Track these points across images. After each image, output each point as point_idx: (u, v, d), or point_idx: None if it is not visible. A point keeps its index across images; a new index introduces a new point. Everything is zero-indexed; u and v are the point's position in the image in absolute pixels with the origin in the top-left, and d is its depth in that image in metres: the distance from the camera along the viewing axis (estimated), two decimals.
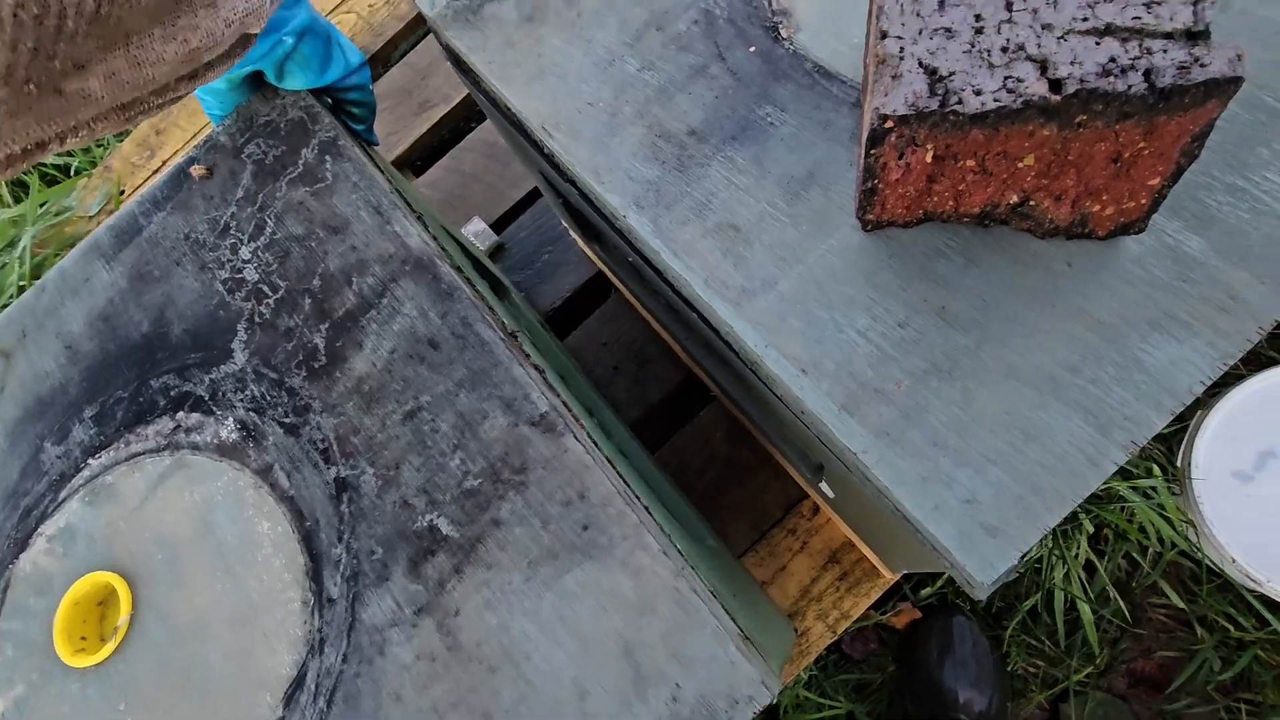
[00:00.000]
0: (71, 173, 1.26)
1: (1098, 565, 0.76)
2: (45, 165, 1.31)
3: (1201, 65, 0.23)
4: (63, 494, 0.40)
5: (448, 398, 0.35)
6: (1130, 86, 0.23)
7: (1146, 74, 0.23)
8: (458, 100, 0.92)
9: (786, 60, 0.37)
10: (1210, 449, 0.66)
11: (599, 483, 0.32)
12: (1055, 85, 0.24)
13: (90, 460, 0.40)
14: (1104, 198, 0.28)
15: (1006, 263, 0.31)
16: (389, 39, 0.99)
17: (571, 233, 0.78)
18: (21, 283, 0.90)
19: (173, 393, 0.40)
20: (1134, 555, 0.76)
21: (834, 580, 0.63)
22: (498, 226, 0.86)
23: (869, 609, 0.76)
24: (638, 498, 0.33)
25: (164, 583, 0.36)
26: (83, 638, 0.37)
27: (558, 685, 0.29)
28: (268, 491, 0.36)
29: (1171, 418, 0.27)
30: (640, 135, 0.38)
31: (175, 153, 1.03)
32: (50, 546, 0.39)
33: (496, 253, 0.85)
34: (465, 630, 0.31)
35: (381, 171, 0.45)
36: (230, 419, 0.38)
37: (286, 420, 0.38)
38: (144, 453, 0.39)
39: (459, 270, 0.40)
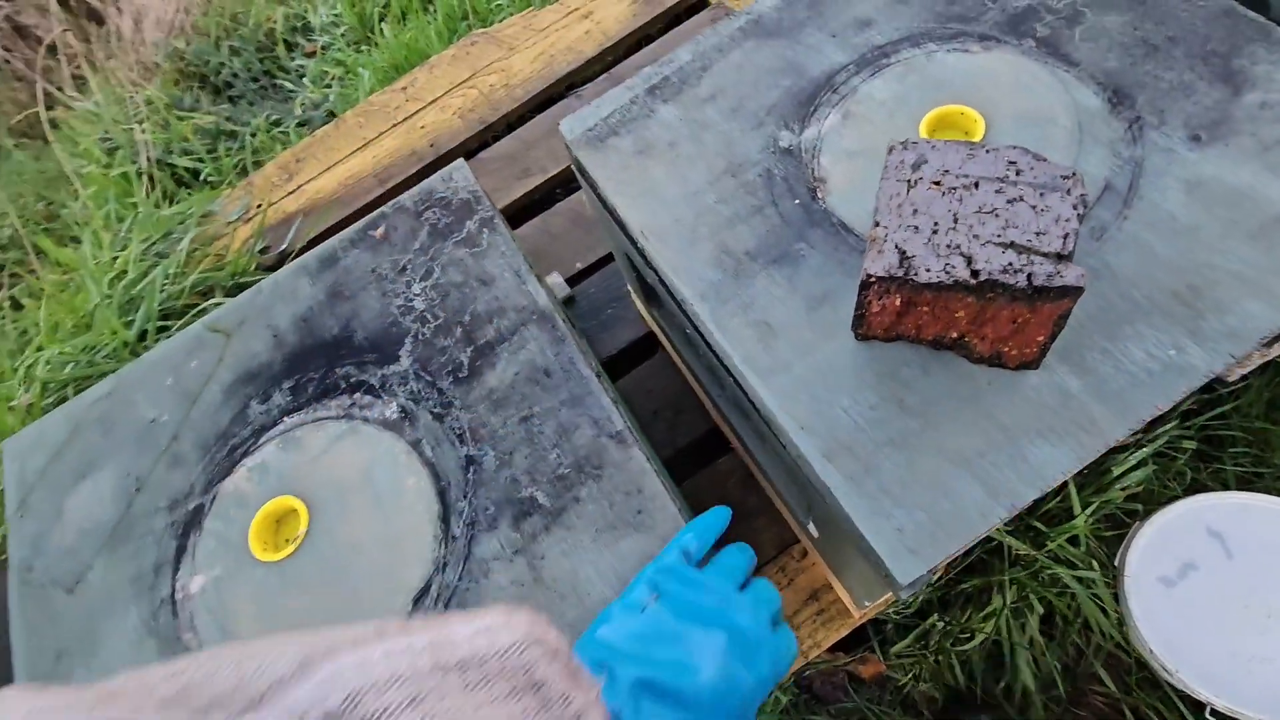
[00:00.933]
0: (202, 182, 1.47)
1: (1045, 649, 0.87)
2: (180, 170, 1.53)
3: (1060, 276, 0.38)
4: (262, 440, 0.56)
5: (553, 411, 0.50)
6: (1018, 282, 0.38)
7: (1029, 276, 0.38)
8: (554, 172, 1.11)
9: (819, 213, 0.53)
10: (1143, 554, 0.78)
11: (652, 483, 0.46)
12: (975, 274, 0.39)
13: (285, 418, 0.56)
14: (1009, 344, 0.43)
15: (948, 376, 0.46)
16: (504, 114, 1.18)
17: (633, 296, 0.94)
18: (177, 269, 1.09)
19: (352, 379, 0.56)
20: (1079, 643, 0.87)
21: (812, 614, 0.76)
22: (571, 281, 1.03)
23: (840, 651, 0.88)
24: (680, 497, 0.48)
25: (332, 512, 0.51)
26: (265, 543, 0.52)
27: (596, 609, 0.43)
28: (416, 458, 0.51)
29: (1039, 494, 0.41)
30: (710, 249, 0.54)
31: (311, 179, 1.23)
32: (249, 475, 0.54)
33: (568, 303, 1.02)
34: (547, 569, 0.45)
35: (514, 240, 0.61)
36: (394, 404, 0.54)
37: (435, 410, 0.53)
38: (326, 418, 0.55)
39: (570, 323, 0.56)
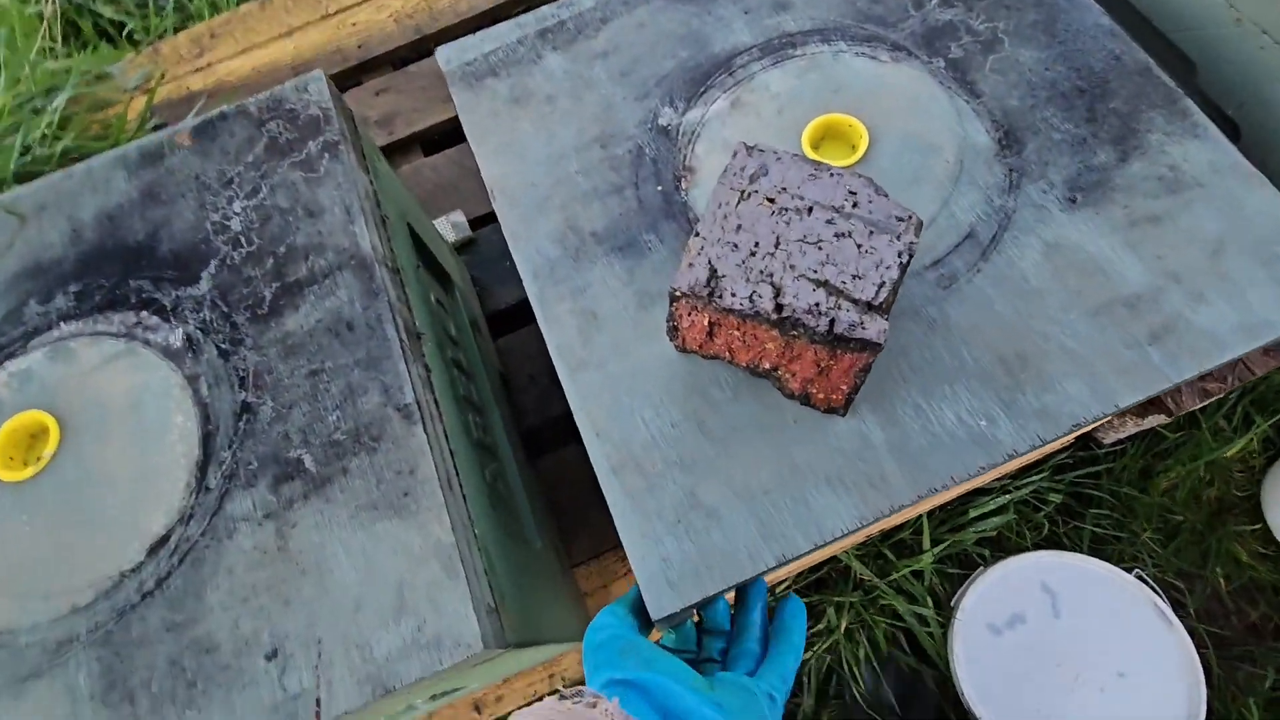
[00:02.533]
0: (126, 37, 1.34)
1: (882, 676, 0.88)
2: (105, 21, 1.40)
3: (861, 328, 0.35)
4: (31, 344, 0.50)
5: (345, 369, 0.46)
6: (818, 325, 0.35)
7: (831, 321, 0.35)
8: None
9: (678, 205, 0.49)
10: (979, 599, 0.79)
11: (427, 466, 0.43)
12: (779, 307, 0.36)
13: (62, 324, 0.50)
14: (815, 385, 0.40)
15: (757, 405, 0.43)
16: (444, 26, 1.09)
17: None
18: (47, 131, 0.99)
19: (144, 295, 0.51)
20: (909, 671, 0.89)
21: None
22: (477, 223, 0.97)
23: None
24: (459, 485, 0.44)
25: (88, 436, 0.46)
26: (11, 458, 0.47)
27: (343, 595, 0.40)
28: (190, 395, 0.47)
29: (813, 548, 0.39)
30: (557, 222, 0.50)
31: (223, 59, 1.13)
32: (9, 381, 0.49)
33: (467, 245, 0.96)
34: (295, 539, 0.42)
35: (368, 172, 0.56)
36: (181, 330, 0.49)
37: (223, 346, 0.48)
38: (106, 333, 0.50)
39: (395, 273, 0.51)
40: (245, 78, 1.10)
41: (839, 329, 0.35)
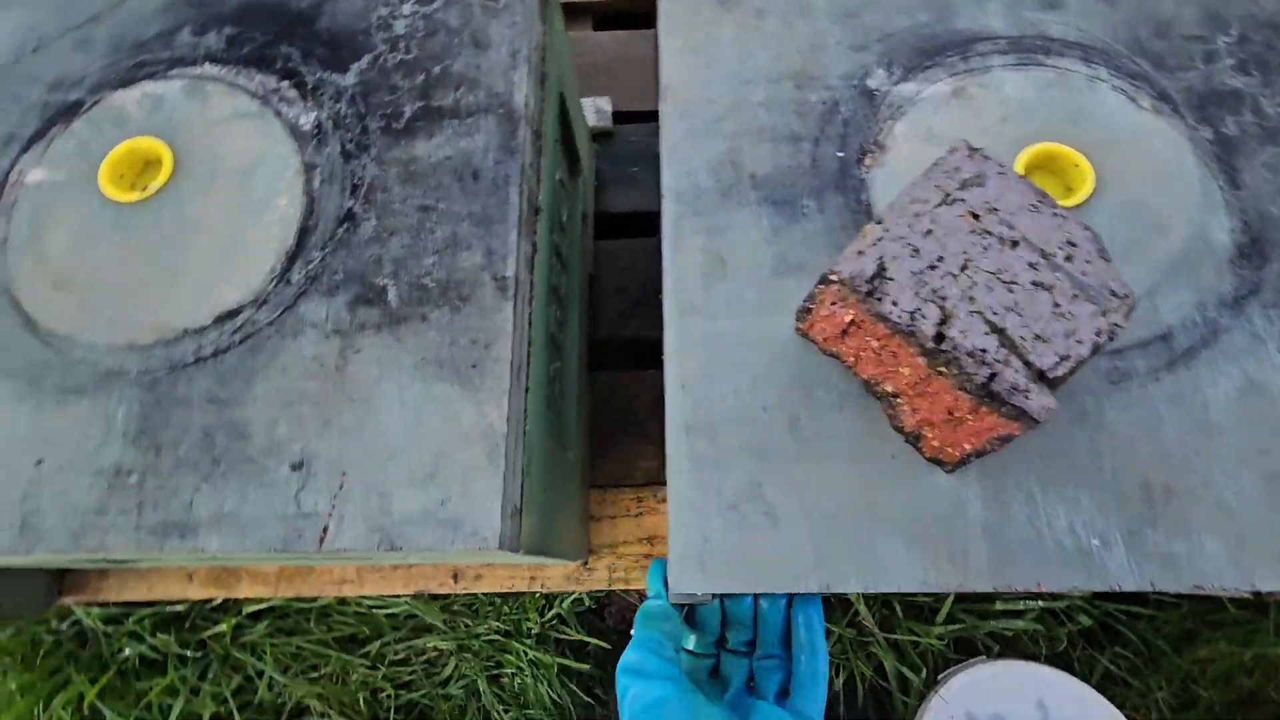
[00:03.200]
0: None
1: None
2: None
3: (1025, 397, 0.30)
4: (172, 72, 0.49)
5: (456, 217, 0.43)
6: (977, 373, 0.31)
7: (992, 375, 0.30)
8: None
9: (853, 181, 0.44)
10: (968, 686, 0.75)
11: (504, 346, 0.40)
12: (940, 337, 0.31)
13: (208, 64, 0.49)
14: (934, 433, 0.35)
15: (860, 424, 0.39)
16: None
17: None
18: None
19: (290, 64, 0.48)
20: None
21: (639, 555, 0.74)
22: (619, 118, 0.92)
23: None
24: (525, 376, 0.42)
25: (195, 184, 0.45)
26: (121, 176, 0.47)
27: (382, 440, 0.38)
28: (302, 182, 0.45)
29: (863, 590, 0.36)
30: (720, 150, 0.45)
31: None
32: (142, 100, 0.48)
33: (603, 136, 0.91)
34: (354, 365, 0.40)
35: (544, 23, 0.51)
36: (314, 114, 0.47)
37: (348, 146, 0.46)
38: (244, 89, 0.48)
39: (538, 137, 0.48)
40: None
41: (997, 386, 0.30)
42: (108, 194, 0.45)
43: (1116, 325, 0.31)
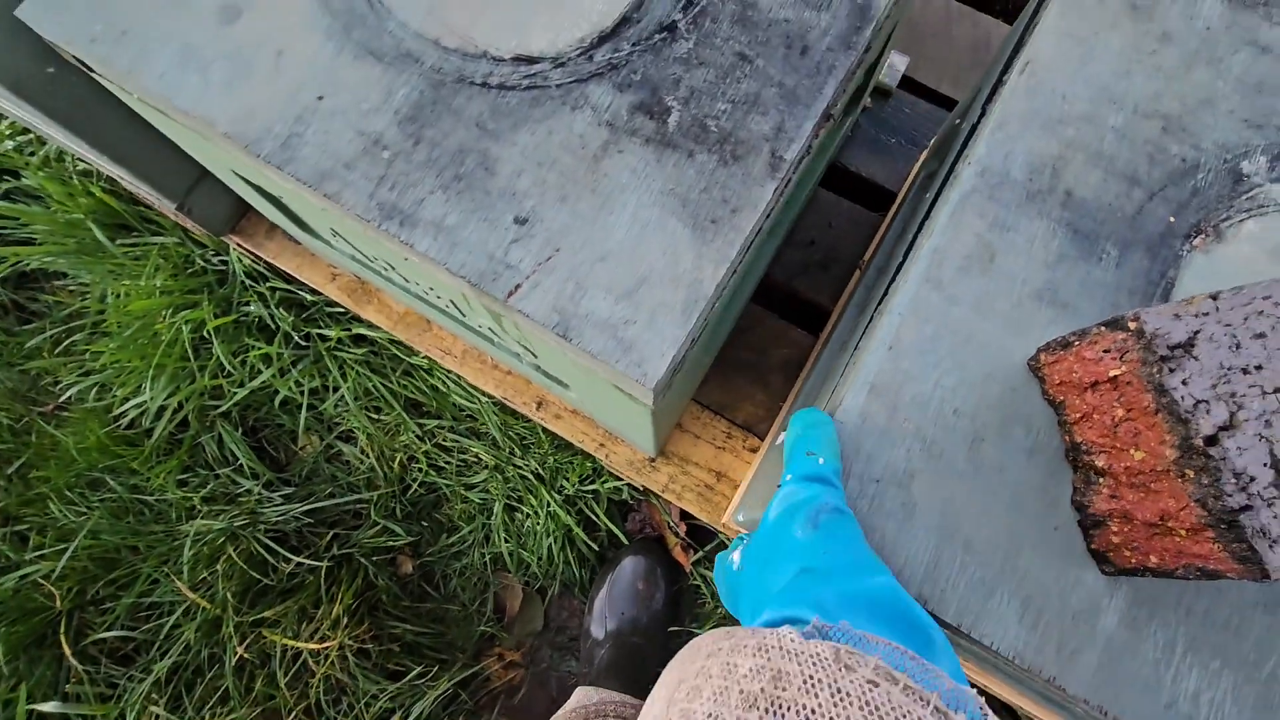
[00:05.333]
0: None
1: None
2: None
3: (1270, 546, 0.27)
4: None
5: (767, 80, 0.42)
6: (1230, 496, 0.28)
7: (1245, 506, 0.27)
8: None
9: (1170, 251, 0.40)
10: None
11: (749, 218, 0.39)
12: (1212, 439, 0.28)
13: None
14: (1124, 528, 0.33)
15: (1040, 480, 0.36)
16: None
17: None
18: None
19: None
20: None
21: (701, 483, 0.74)
22: (905, 85, 0.87)
23: (690, 521, 0.89)
24: (745, 254, 0.42)
25: None
26: None
27: (603, 239, 0.39)
28: None
29: (949, 626, 0.35)
30: (1049, 150, 0.41)
31: None
32: None
33: (881, 94, 0.86)
34: (609, 162, 0.41)
35: None
36: None
37: None
38: None
39: (867, 49, 0.45)
40: None
41: (1246, 521, 0.27)
42: None
43: None
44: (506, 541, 0.91)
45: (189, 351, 0.86)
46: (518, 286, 0.38)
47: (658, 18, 0.43)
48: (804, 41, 0.43)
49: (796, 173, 0.44)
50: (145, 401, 0.85)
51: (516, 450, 0.90)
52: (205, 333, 0.85)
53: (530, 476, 0.90)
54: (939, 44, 0.88)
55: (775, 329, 0.78)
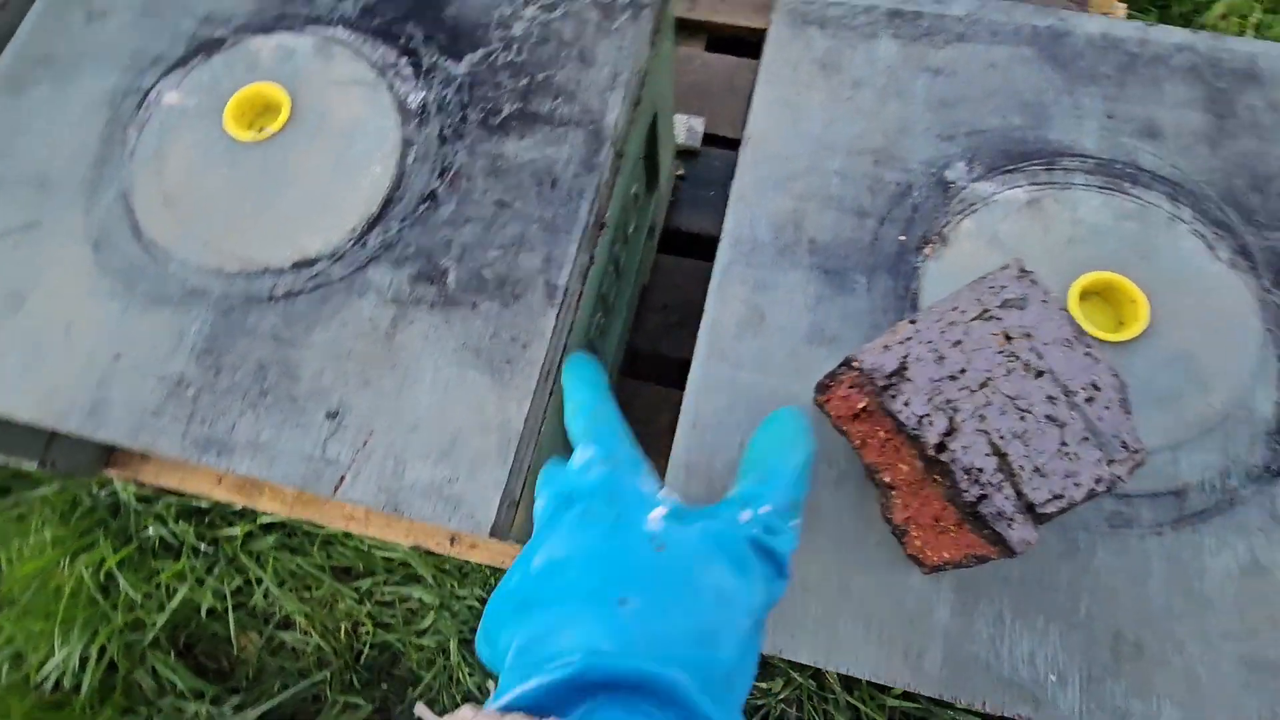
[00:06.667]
0: None
1: None
2: None
3: (1009, 526, 0.31)
4: (308, 29, 0.53)
5: (527, 219, 0.46)
6: (967, 491, 0.32)
7: (981, 496, 0.31)
8: None
9: (908, 267, 0.45)
10: None
11: (539, 349, 0.43)
12: (941, 447, 0.32)
13: (340, 28, 0.53)
14: (919, 534, 0.36)
15: (852, 505, 0.40)
16: None
17: None
18: None
19: (411, 44, 0.52)
20: None
21: None
22: (711, 141, 0.94)
23: None
24: (554, 379, 0.45)
25: (303, 137, 0.49)
26: (243, 113, 0.51)
27: (410, 409, 0.42)
28: (396, 155, 0.48)
29: (812, 664, 0.37)
30: (787, 208, 0.47)
31: None
32: (277, 49, 0.52)
33: (686, 155, 0.93)
34: (402, 335, 0.44)
35: (652, 48, 0.54)
36: (422, 95, 0.50)
37: (446, 131, 0.49)
38: (367, 57, 0.51)
39: (619, 157, 0.50)
40: None
41: (984, 509, 0.31)
42: (228, 129, 0.50)
43: (1118, 477, 0.32)
44: (471, 675, 0.90)
45: (96, 595, 0.83)
46: (342, 479, 0.40)
47: (418, 191, 0.48)
48: (552, 175, 0.47)
49: (585, 284, 0.48)
50: (62, 661, 0.82)
51: (456, 583, 0.90)
52: (106, 573, 0.84)
53: (477, 604, 0.90)
54: (728, 98, 0.96)
55: (654, 396, 0.82)
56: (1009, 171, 0.47)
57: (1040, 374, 0.33)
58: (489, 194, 0.47)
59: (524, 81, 0.50)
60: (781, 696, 0.81)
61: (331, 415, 0.42)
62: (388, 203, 0.47)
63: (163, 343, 0.44)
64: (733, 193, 0.48)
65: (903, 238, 0.46)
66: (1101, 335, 0.42)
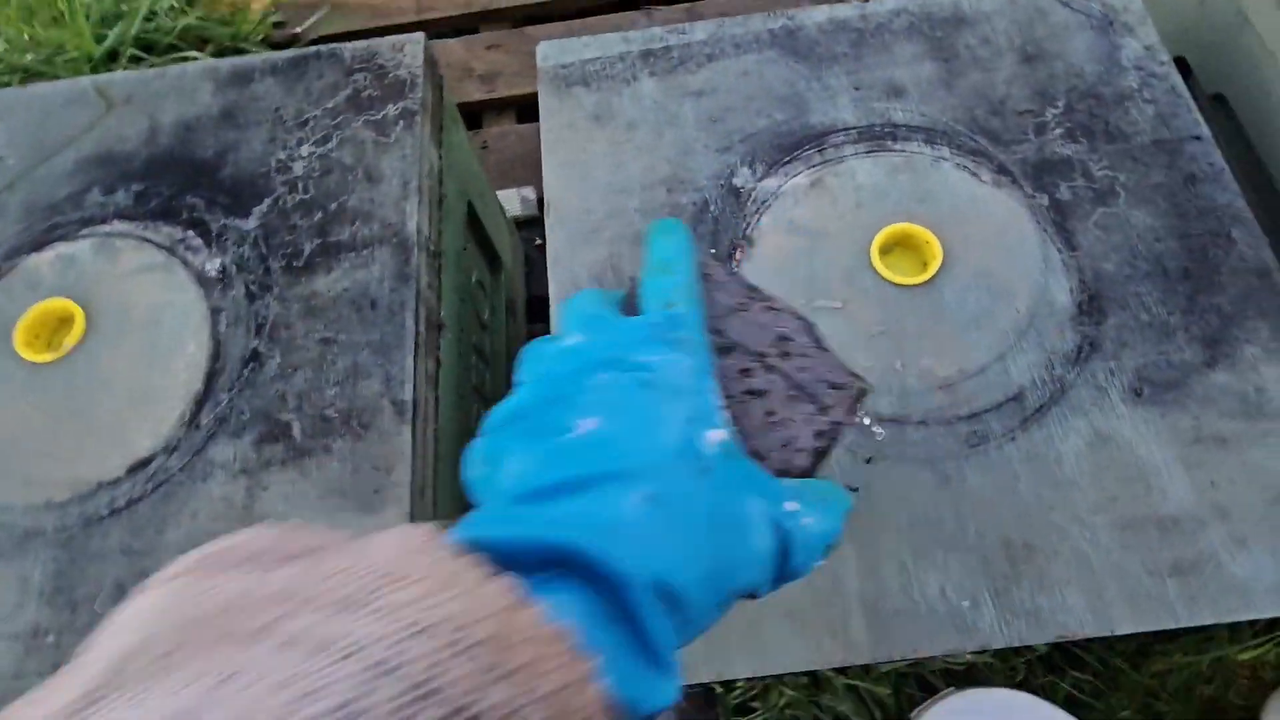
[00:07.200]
0: None
1: None
2: None
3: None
4: (82, 233, 0.51)
5: (355, 347, 0.46)
6: None
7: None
8: None
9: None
10: (945, 713, 0.76)
11: (403, 471, 0.42)
12: None
13: (116, 220, 0.52)
14: None
15: None
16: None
17: None
18: (176, 2, 1.02)
19: (195, 214, 0.51)
20: None
21: None
22: None
23: None
24: (432, 492, 0.44)
25: (107, 339, 0.48)
26: (36, 336, 0.49)
27: None
28: (209, 327, 0.47)
29: (752, 675, 0.38)
30: (602, 256, 0.48)
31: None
32: (55, 262, 0.51)
33: (531, 223, 0.95)
34: (261, 503, 0.42)
35: (439, 146, 0.55)
36: (219, 260, 0.50)
37: (252, 287, 0.49)
38: (152, 241, 0.51)
39: (435, 257, 0.51)
40: None
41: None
42: (22, 355, 0.47)
43: (837, 422, 0.28)
44: None
45: None
46: None
47: (238, 355, 0.47)
48: (369, 297, 0.48)
49: (439, 390, 0.48)
50: None
51: None
52: None
53: None
54: None
55: None
56: (787, 163, 0.51)
57: (729, 350, 0.28)
58: (311, 335, 0.47)
59: (318, 216, 0.50)
60: (781, 705, 0.81)
61: None
62: (211, 376, 0.46)
63: (6, 599, 0.41)
64: (549, 259, 0.49)
65: (713, 250, 0.48)
66: (911, 280, 0.46)
